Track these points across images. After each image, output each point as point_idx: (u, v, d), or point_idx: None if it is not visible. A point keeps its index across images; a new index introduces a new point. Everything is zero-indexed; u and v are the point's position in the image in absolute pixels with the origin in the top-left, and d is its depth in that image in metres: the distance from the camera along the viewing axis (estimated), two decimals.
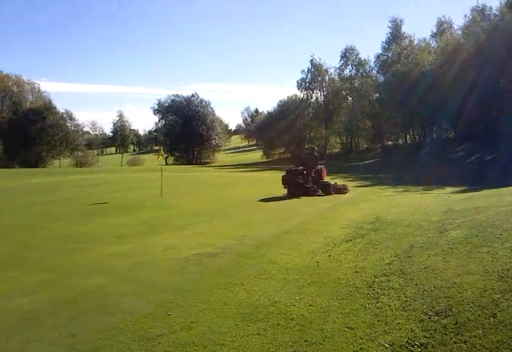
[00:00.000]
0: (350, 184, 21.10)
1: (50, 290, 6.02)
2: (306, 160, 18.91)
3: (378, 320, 4.34)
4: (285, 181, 18.12)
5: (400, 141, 60.45)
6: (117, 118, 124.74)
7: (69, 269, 7.11)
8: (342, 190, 17.95)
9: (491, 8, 45.23)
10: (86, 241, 9.42)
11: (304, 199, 16.04)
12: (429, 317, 4.17)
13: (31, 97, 72.33)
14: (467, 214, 8.16)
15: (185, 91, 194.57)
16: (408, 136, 58.43)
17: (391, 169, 34.86)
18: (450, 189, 17.33)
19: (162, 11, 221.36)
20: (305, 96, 70.43)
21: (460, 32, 48.70)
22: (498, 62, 35.05)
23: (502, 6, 41.37)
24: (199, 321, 4.69)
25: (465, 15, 47.06)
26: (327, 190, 17.70)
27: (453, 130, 50.73)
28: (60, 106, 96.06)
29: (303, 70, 68.95)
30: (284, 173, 18.24)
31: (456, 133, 48.77)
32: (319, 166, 18.80)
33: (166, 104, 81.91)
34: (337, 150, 69.28)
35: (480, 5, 45.92)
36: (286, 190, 17.72)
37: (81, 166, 69.26)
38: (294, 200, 15.70)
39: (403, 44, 56.76)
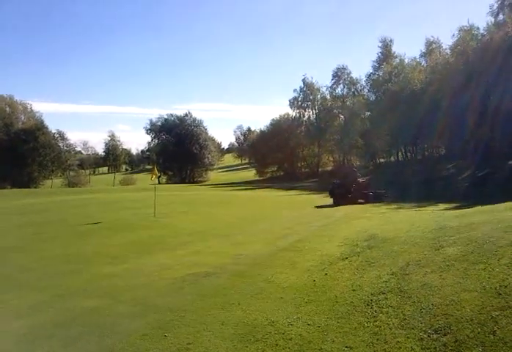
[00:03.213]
0: None
1: (46, 312, 5.94)
2: (347, 175, 23.51)
3: (378, 339, 4.31)
4: (331, 192, 22.35)
5: (392, 159, 60.84)
6: (109, 138, 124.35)
7: (64, 291, 7.02)
8: (382, 196, 21.94)
9: (478, 28, 46.23)
10: (80, 262, 9.34)
11: (300, 216, 16.03)
12: (428, 336, 4.15)
13: (23, 117, 72.01)
14: (462, 231, 8.15)
15: (178, 110, 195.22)
16: (400, 154, 58.83)
17: (383, 186, 34.90)
18: (442, 206, 17.39)
19: (154, 31, 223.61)
20: (297, 114, 71.13)
21: (449, 51, 49.51)
22: (487, 80, 35.56)
23: (490, 26, 42.19)
24: (196, 342, 4.64)
25: (453, 35, 47.92)
26: (367, 199, 21.35)
27: (444, 148, 51.14)
28: (52, 126, 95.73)
29: (295, 89, 69.94)
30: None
31: (447, 150, 49.14)
32: (361, 180, 22.82)
33: (159, 123, 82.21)
34: (329, 168, 69.54)
35: (468, 25, 46.82)
36: (332, 199, 21.95)
37: (73, 186, 68.79)
38: (288, 218, 15.69)
39: (394, 63, 57.60)
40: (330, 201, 22.11)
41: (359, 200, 21.47)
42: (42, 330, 5.26)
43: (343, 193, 21.80)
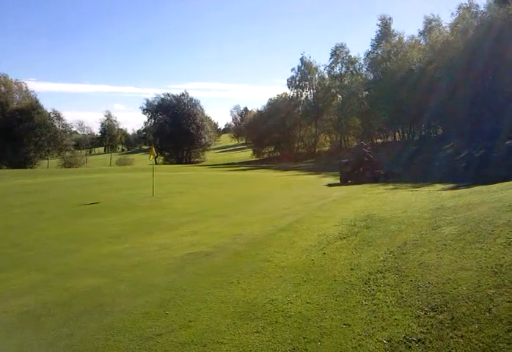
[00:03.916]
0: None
1: (46, 291, 6.01)
2: (356, 155, 24.90)
3: (375, 317, 4.39)
4: (341, 170, 23.37)
5: (389, 139, 60.74)
6: (105, 118, 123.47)
7: (63, 270, 7.09)
8: (394, 175, 22.94)
9: (477, 5, 45.81)
10: (79, 241, 9.40)
11: (298, 196, 16.08)
12: (425, 313, 4.22)
13: (18, 97, 71.22)
14: (459, 211, 8.23)
15: (174, 90, 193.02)
16: (397, 134, 58.74)
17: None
18: (439, 186, 17.48)
19: (151, 11, 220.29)
20: (295, 94, 70.66)
21: (448, 29, 49.03)
22: (486, 60, 35.34)
23: (491, 4, 41.69)
24: (197, 320, 4.72)
25: (452, 13, 47.51)
26: (378, 178, 21.95)
27: (441, 128, 51.07)
28: (47, 106, 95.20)
29: (293, 68, 69.28)
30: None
31: (444, 130, 49.11)
32: (375, 159, 23.42)
33: (156, 103, 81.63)
34: (326, 148, 69.49)
35: (467, 2, 46.35)
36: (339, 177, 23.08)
37: (69, 167, 68.58)
38: (286, 199, 15.73)
39: (393, 42, 56.95)
40: (330, 180, 22.56)
41: (369, 179, 21.88)
42: (43, 308, 5.33)
43: (351, 171, 22.71)
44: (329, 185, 21.61)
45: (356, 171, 22.64)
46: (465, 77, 36.02)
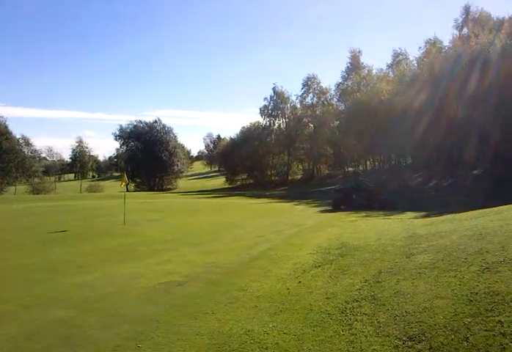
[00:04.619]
0: (314, 210, 21.75)
1: (11, 324, 5.72)
2: (350, 182, 25.60)
3: (353, 347, 4.32)
4: (334, 198, 23.91)
5: (361, 168, 61.74)
6: (76, 144, 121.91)
7: (30, 301, 6.78)
8: (389, 204, 22.01)
9: (442, 41, 48.19)
10: (47, 271, 9.06)
11: (271, 224, 16.04)
12: (403, 343, 4.19)
13: None
14: (431, 239, 8.32)
15: (147, 117, 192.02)
16: (368, 163, 59.76)
17: None
18: (411, 214, 17.71)
19: (123, 36, 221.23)
20: (268, 123, 71.60)
21: (415, 63, 50.95)
22: (452, 92, 36.61)
23: (455, 40, 43.65)
24: None
25: (419, 47, 49.68)
26: (372, 206, 21.57)
27: (411, 157, 52.29)
28: (17, 132, 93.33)
29: (265, 98, 70.44)
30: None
31: (414, 159, 50.28)
32: (371, 187, 23.86)
33: (128, 130, 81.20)
34: (299, 176, 70.10)
35: (432, 38, 48.58)
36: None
37: (37, 193, 66.88)
38: (260, 226, 15.67)
39: (363, 73, 58.73)
40: (302, 208, 22.69)
41: (362, 206, 21.91)
42: (7, 342, 5.05)
43: (343, 198, 23.19)
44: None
45: (349, 198, 22.92)
46: (432, 109, 37.20)
